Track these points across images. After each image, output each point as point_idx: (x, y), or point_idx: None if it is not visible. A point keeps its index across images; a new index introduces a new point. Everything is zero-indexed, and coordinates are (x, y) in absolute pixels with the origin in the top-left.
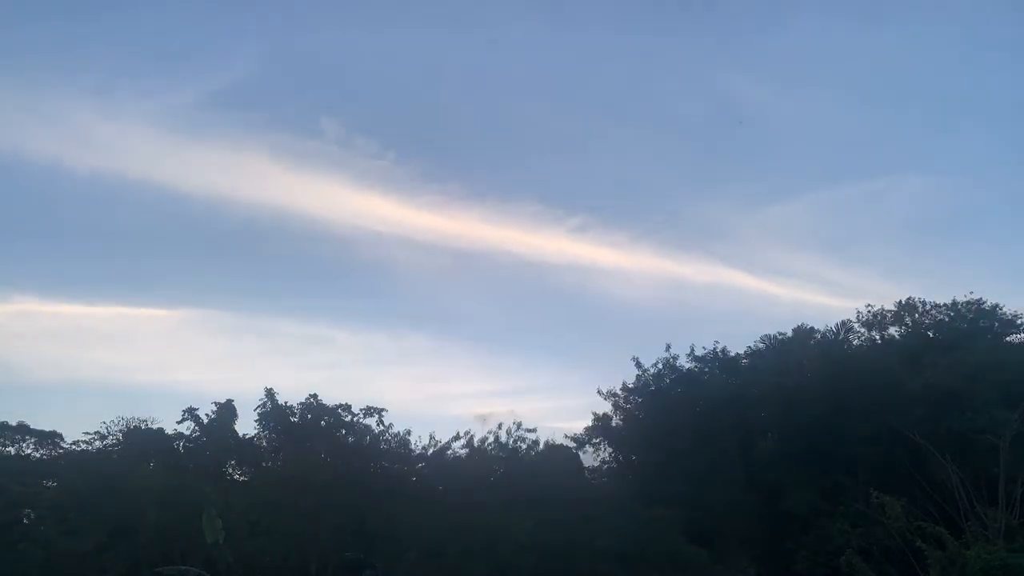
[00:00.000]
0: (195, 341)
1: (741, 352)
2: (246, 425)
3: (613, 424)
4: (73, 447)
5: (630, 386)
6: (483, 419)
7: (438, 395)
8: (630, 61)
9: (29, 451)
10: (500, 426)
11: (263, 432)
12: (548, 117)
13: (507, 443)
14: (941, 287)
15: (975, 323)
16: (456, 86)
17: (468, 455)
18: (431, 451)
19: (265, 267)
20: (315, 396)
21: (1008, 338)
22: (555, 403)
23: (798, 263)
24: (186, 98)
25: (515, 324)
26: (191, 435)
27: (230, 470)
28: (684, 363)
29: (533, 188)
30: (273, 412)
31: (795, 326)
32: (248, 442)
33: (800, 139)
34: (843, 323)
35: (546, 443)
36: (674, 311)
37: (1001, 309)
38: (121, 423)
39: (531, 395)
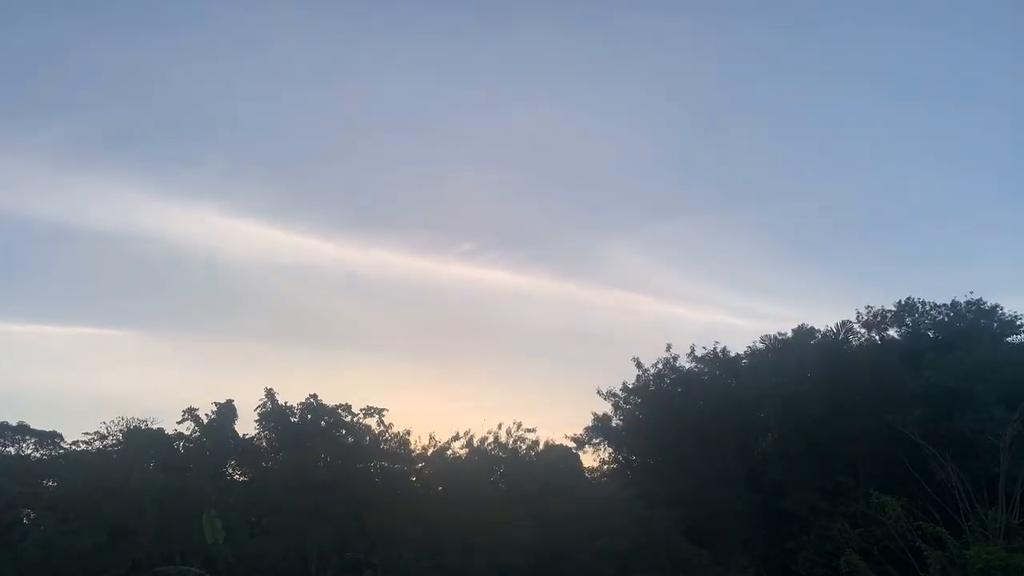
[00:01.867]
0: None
1: (741, 352)
2: (246, 425)
3: (613, 424)
4: (73, 447)
5: (630, 386)
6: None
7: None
8: (491, 98)
9: (29, 451)
10: (500, 426)
11: (263, 432)
12: (427, 152)
13: (507, 443)
14: (829, 307)
15: (975, 323)
16: (340, 119)
17: (468, 455)
18: (431, 451)
19: (161, 292)
20: (315, 396)
21: (1008, 338)
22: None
23: (686, 285)
24: (62, 135)
25: (416, 344)
26: (191, 435)
27: (230, 470)
28: (684, 363)
29: (423, 216)
30: (273, 412)
31: (794, 327)
32: (248, 442)
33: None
34: (843, 323)
35: (546, 443)
36: (573, 328)
37: (1001, 309)
38: (121, 423)
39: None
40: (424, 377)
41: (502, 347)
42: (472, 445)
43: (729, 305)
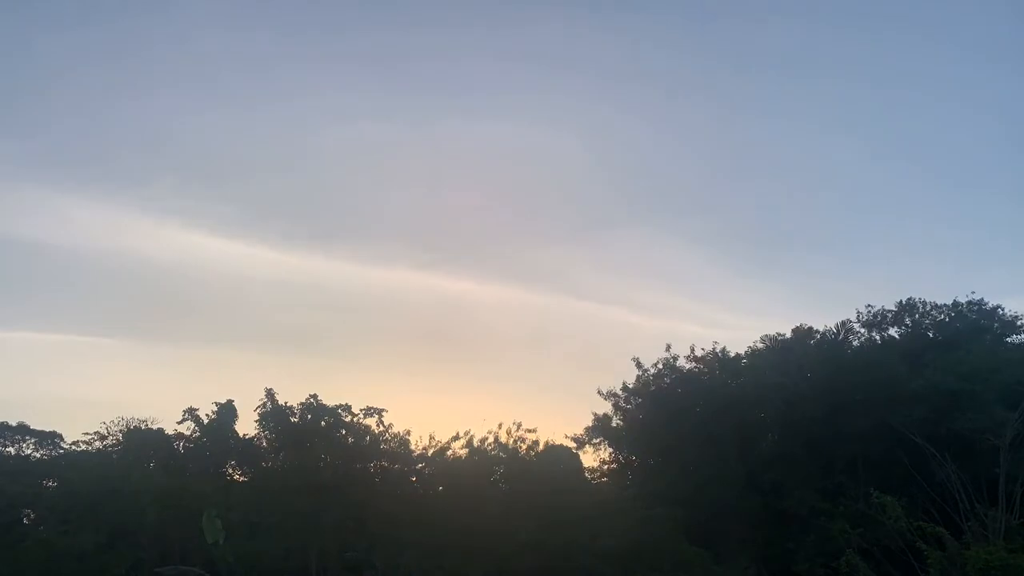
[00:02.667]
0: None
1: (741, 352)
2: (246, 425)
3: (613, 424)
4: (73, 447)
5: (630, 386)
6: None
7: None
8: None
9: (29, 451)
10: (500, 426)
11: (263, 432)
12: (386, 164)
13: (507, 443)
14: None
15: (976, 323)
16: (297, 133)
17: (468, 455)
18: (431, 451)
19: (134, 303)
20: (315, 396)
21: (1008, 339)
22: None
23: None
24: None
25: (393, 351)
26: (191, 435)
27: (230, 470)
28: (684, 363)
29: (380, 227)
30: (273, 412)
31: (794, 326)
32: (248, 442)
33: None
34: (843, 323)
35: (546, 443)
36: (532, 336)
37: (1002, 310)
38: (121, 423)
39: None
40: (401, 382)
41: (472, 353)
42: (472, 445)
43: (696, 314)
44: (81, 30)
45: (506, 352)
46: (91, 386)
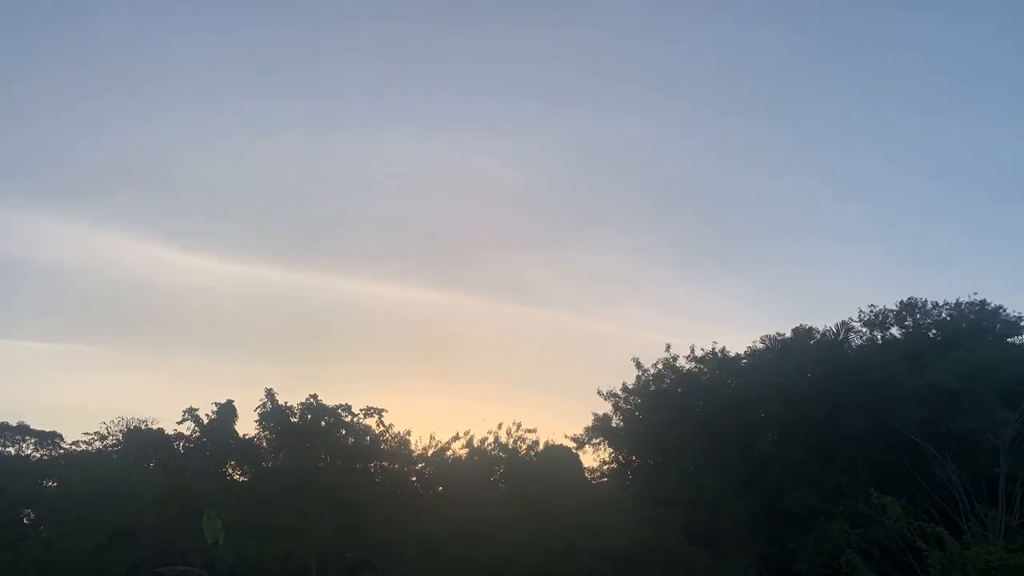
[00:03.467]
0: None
1: (741, 352)
2: (246, 426)
3: (613, 424)
4: (73, 447)
5: (630, 386)
6: None
7: None
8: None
9: (29, 451)
10: (500, 426)
11: (263, 432)
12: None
13: (507, 443)
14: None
15: (977, 324)
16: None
17: (468, 455)
18: (431, 451)
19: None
20: (315, 396)
21: (1009, 339)
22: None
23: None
24: None
25: (372, 354)
26: (191, 435)
27: (230, 470)
28: (684, 363)
29: (349, 235)
30: (273, 412)
31: (794, 326)
32: (248, 442)
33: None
34: (843, 323)
35: (546, 443)
36: (529, 337)
37: (1004, 310)
38: (121, 424)
39: None
40: (399, 384)
41: (471, 355)
42: (472, 445)
43: (693, 314)
44: (29, 35)
45: (505, 354)
46: (78, 391)
